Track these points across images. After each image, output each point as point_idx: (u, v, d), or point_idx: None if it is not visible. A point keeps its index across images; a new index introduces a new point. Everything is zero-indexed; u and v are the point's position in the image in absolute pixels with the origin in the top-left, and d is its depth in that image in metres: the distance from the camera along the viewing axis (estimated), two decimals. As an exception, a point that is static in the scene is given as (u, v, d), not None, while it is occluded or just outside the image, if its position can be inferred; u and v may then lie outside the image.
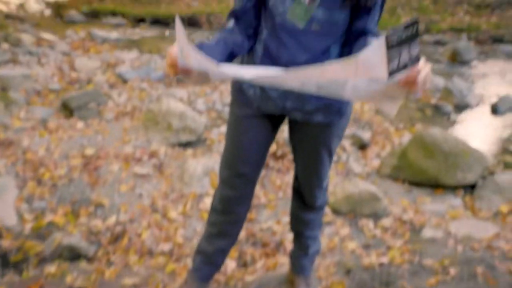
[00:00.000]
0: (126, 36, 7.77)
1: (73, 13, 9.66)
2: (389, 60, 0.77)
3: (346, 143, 3.19)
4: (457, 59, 6.41)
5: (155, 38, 7.75)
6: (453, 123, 4.01)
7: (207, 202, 2.39)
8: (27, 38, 6.39)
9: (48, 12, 11.11)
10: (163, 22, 9.25)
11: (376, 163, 3.00)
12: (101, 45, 6.73)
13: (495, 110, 4.35)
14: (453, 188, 2.66)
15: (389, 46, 0.76)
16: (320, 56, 1.15)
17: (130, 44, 7.01)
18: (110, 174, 2.68)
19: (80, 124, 3.44)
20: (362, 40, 1.11)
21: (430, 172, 2.65)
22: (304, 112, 1.23)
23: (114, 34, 7.54)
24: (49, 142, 3.06)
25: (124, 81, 4.67)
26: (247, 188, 1.38)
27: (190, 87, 4.49)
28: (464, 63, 6.35)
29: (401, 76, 0.81)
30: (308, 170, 1.37)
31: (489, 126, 3.99)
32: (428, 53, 6.94)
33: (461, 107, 4.37)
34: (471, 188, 2.68)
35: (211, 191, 2.47)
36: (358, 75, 0.83)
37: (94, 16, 9.90)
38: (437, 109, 4.33)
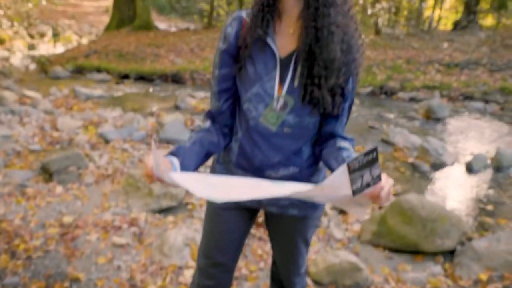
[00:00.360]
0: (110, 92, 7.87)
1: (58, 69, 9.79)
2: (352, 182, 0.85)
3: (326, 207, 3.22)
4: (431, 116, 6.68)
5: (139, 95, 7.87)
6: (430, 183, 4.11)
7: (187, 275, 2.34)
8: (10, 96, 6.41)
9: (33, 67, 11.26)
10: (147, 78, 9.46)
11: (357, 227, 3.02)
12: (85, 102, 6.80)
13: (470, 168, 4.48)
14: (432, 255, 2.68)
15: (351, 171, 0.83)
16: (292, 157, 1.21)
17: (113, 101, 7.09)
18: (87, 245, 2.62)
19: (59, 189, 3.40)
20: (331, 143, 1.18)
21: (409, 239, 2.68)
22: (279, 206, 1.27)
23: (98, 91, 7.64)
24: (26, 210, 3.00)
25: (106, 141, 4.69)
26: (224, 277, 1.38)
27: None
28: (438, 120, 6.62)
29: (366, 192, 0.87)
30: (286, 258, 1.39)
31: (465, 185, 4.09)
32: (404, 110, 7.24)
33: (437, 166, 4.50)
34: (450, 254, 2.70)
35: (191, 263, 2.43)
36: (324, 195, 0.89)
37: (79, 72, 10.06)
38: (414, 168, 4.44)
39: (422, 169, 4.40)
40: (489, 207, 3.56)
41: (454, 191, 3.94)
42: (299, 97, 1.13)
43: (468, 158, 4.75)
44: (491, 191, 3.94)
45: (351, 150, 1.14)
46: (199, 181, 1.01)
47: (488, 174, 4.40)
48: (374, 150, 0.83)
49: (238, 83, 1.20)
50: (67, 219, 2.86)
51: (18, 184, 3.43)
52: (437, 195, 3.83)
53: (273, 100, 1.14)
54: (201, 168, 3.21)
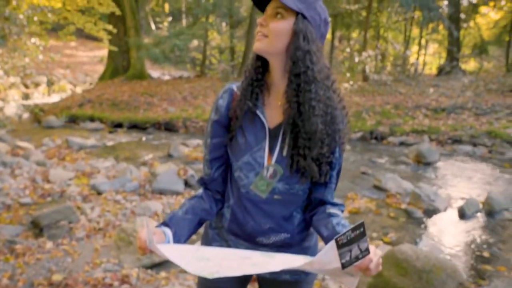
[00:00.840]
0: (103, 142, 7.91)
1: (52, 119, 9.87)
2: (341, 256, 0.88)
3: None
4: (422, 161, 6.78)
5: (132, 144, 7.91)
6: (424, 230, 4.10)
7: (180, 335, 2.27)
8: (2, 147, 6.42)
9: (26, 116, 11.34)
10: (140, 127, 9.55)
11: (352, 279, 2.97)
12: (77, 152, 6.81)
13: (462, 214, 4.50)
14: (430, 307, 2.64)
15: (340, 246, 0.86)
16: (283, 223, 1.24)
17: (106, 151, 7.11)
18: (77, 305, 2.54)
19: (49, 245, 3.34)
20: (321, 209, 1.21)
21: (406, 290, 2.65)
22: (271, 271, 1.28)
23: (91, 141, 7.67)
24: (14, 268, 2.93)
25: (99, 192, 4.66)
26: None
27: (165, 199, 4.51)
28: (429, 164, 6.71)
29: (355, 265, 0.91)
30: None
31: (459, 232, 4.09)
32: (394, 154, 7.34)
33: (430, 212, 4.51)
34: (448, 305, 2.66)
35: (184, 323, 2.36)
36: (314, 269, 0.92)
37: (72, 121, 10.14)
38: (407, 214, 4.45)
39: (415, 215, 4.41)
40: (485, 254, 3.55)
41: (449, 238, 3.93)
42: (287, 166, 1.17)
43: (460, 202, 4.78)
44: (485, 237, 3.93)
45: (340, 216, 1.17)
46: (191, 254, 1.03)
47: (481, 219, 4.42)
48: (361, 225, 0.87)
49: (229, 152, 1.25)
50: (57, 277, 2.79)
51: (7, 240, 3.36)
52: (431, 243, 3.81)
53: (263, 169, 1.18)
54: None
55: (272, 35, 1.09)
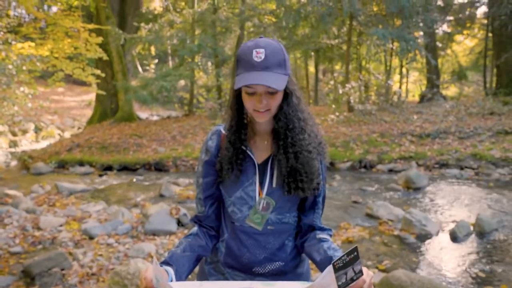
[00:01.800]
0: (93, 185, 7.87)
1: (41, 165, 9.81)
2: (338, 279, 0.96)
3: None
4: (411, 186, 6.87)
5: (122, 186, 7.88)
6: (418, 255, 4.12)
7: None
8: (-10, 197, 6.35)
9: (14, 164, 11.25)
10: (130, 168, 9.54)
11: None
12: (67, 198, 6.76)
13: (454, 237, 4.54)
14: (429, 333, 2.64)
15: (336, 269, 0.96)
16: (277, 252, 1.31)
17: (97, 194, 7.07)
18: None
19: (41, 294, 3.27)
20: (311, 235, 1.30)
21: (403, 317, 2.65)
22: None
23: (81, 185, 7.63)
24: (5, 320, 2.86)
25: (90, 237, 4.61)
26: None
27: (158, 240, 4.48)
28: (418, 189, 6.80)
29: (350, 286, 0.99)
30: None
31: (452, 255, 4.12)
32: (384, 181, 7.43)
33: (422, 237, 4.55)
34: (446, 330, 2.66)
35: None
36: None
37: (61, 166, 10.09)
38: (400, 240, 4.48)
39: (408, 241, 4.44)
40: (481, 275, 3.58)
41: (443, 262, 3.95)
42: (278, 197, 1.26)
43: (451, 226, 4.84)
44: (479, 259, 3.97)
45: (330, 240, 1.26)
46: None
47: (473, 241, 4.46)
48: (355, 249, 0.96)
49: (222, 189, 1.33)
50: (50, 327, 2.73)
51: (-2, 291, 3.30)
52: (426, 267, 3.83)
53: (256, 203, 1.27)
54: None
55: (274, 107, 1.20)
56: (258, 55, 1.13)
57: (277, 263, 1.30)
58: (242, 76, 1.14)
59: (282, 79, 1.15)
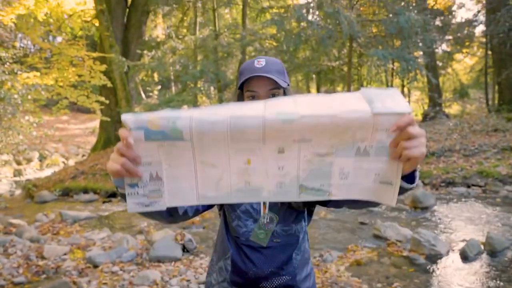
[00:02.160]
0: (98, 213, 7.83)
1: (45, 193, 9.81)
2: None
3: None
4: (418, 206, 6.78)
5: (127, 212, 7.82)
6: (428, 276, 4.03)
7: None
8: (-6, 226, 6.32)
9: (19, 193, 11.25)
10: (135, 194, 9.49)
11: (361, 335, 2.88)
12: (71, 226, 6.71)
13: (465, 256, 4.44)
14: None
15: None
16: (284, 266, 1.28)
17: (101, 222, 7.02)
18: None
19: (44, 325, 3.20)
20: None
21: None
22: None
23: (85, 213, 7.59)
24: None
25: (95, 265, 4.55)
26: None
27: (163, 267, 4.41)
28: (426, 208, 6.71)
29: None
30: None
31: (464, 275, 4.02)
32: (390, 202, 7.33)
33: (432, 257, 4.45)
34: None
35: None
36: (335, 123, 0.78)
37: (66, 194, 10.08)
38: (410, 261, 4.38)
39: (418, 262, 4.35)
40: (493, 297, 3.48)
41: (454, 282, 3.85)
42: (280, 210, 1.26)
43: (461, 245, 4.74)
44: (491, 278, 3.87)
45: None
46: None
47: (484, 260, 4.36)
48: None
49: (225, 204, 1.32)
50: None
51: (1, 324, 3.23)
52: (438, 289, 3.73)
53: (261, 217, 1.26)
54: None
55: None
56: (259, 63, 1.19)
57: (284, 277, 1.28)
58: (243, 77, 1.19)
59: (283, 82, 1.20)
